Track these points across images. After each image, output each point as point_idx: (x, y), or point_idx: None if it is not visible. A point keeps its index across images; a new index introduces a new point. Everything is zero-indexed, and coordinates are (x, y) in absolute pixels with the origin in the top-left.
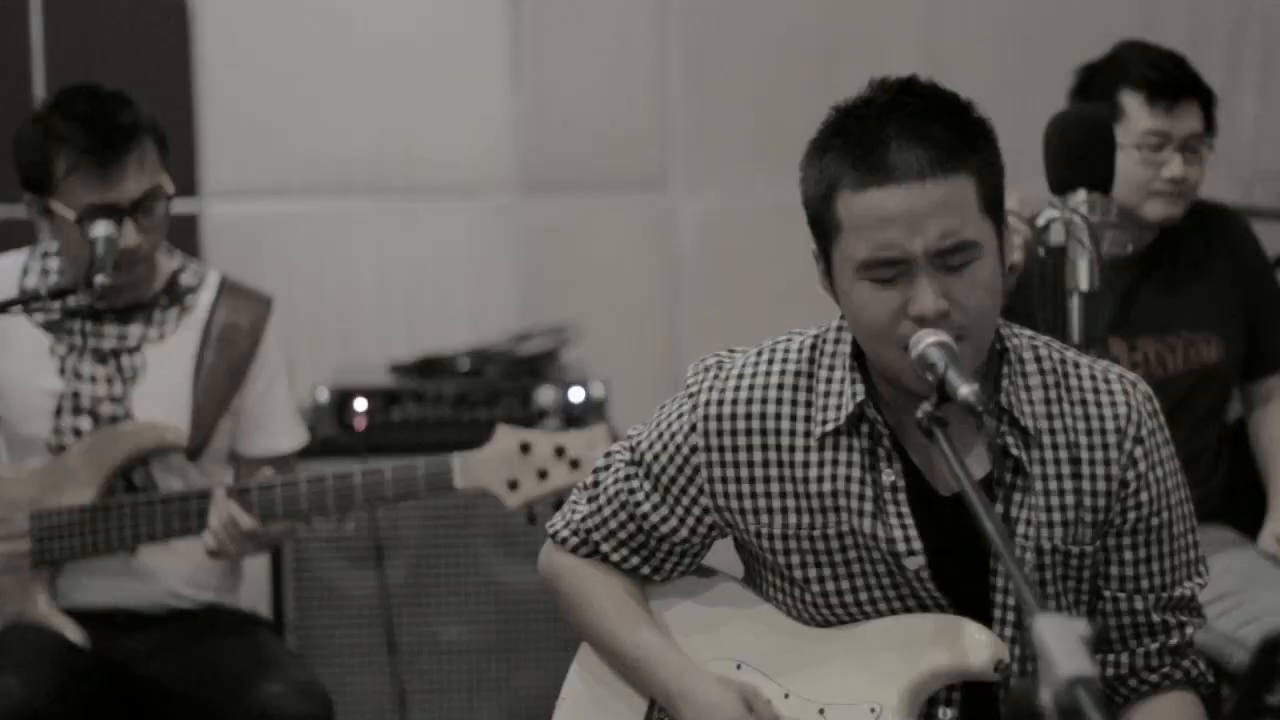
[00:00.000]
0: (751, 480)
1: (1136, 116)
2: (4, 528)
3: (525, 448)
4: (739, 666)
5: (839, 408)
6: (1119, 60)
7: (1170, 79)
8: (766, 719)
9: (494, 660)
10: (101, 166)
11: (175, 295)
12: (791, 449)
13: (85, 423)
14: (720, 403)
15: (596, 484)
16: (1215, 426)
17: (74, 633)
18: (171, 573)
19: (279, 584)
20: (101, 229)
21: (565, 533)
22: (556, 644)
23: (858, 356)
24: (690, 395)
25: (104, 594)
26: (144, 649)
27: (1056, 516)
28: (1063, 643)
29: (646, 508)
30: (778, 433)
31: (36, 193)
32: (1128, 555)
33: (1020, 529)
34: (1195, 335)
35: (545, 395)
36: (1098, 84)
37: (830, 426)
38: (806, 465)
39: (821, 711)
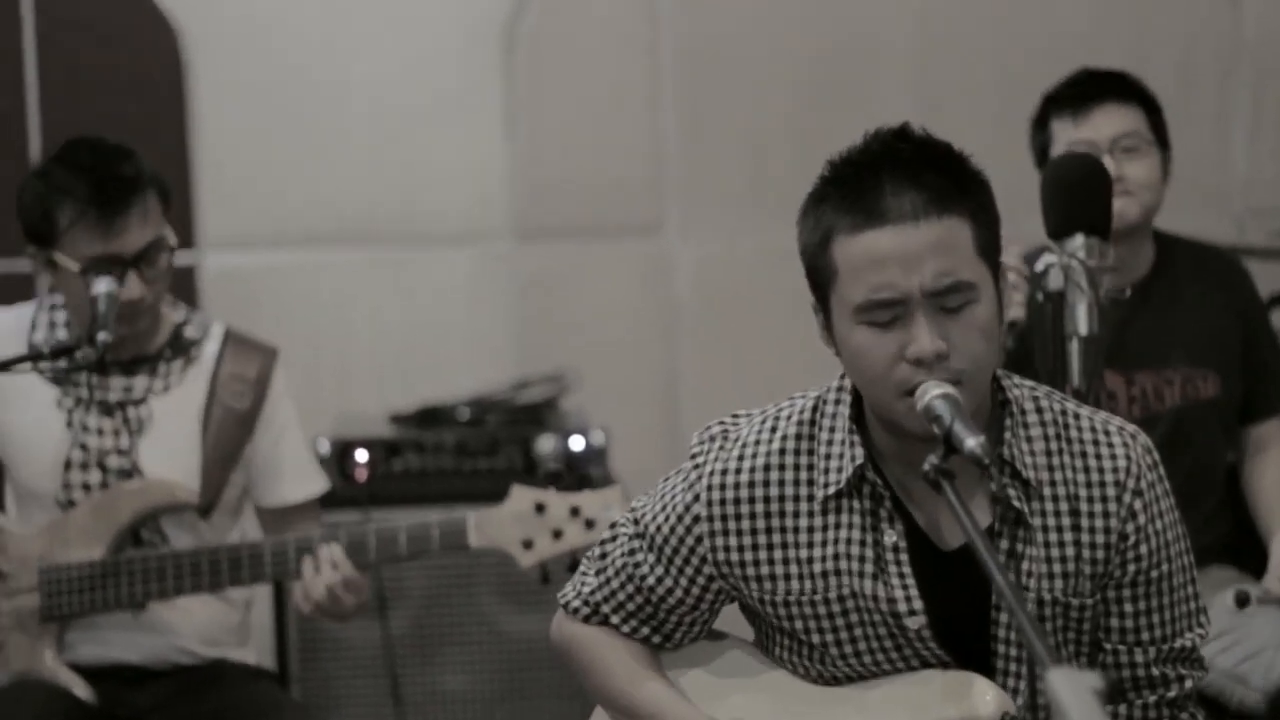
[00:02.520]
0: (755, 548)
1: (1060, 135)
2: (13, 583)
3: (540, 508)
4: None
5: (839, 470)
6: (1047, 93)
7: (1077, 90)
8: None
9: (498, 710)
10: (104, 219)
11: (180, 347)
12: (796, 514)
13: (94, 476)
14: (725, 472)
15: (603, 556)
16: (1218, 464)
17: (81, 689)
18: (182, 629)
19: (283, 635)
20: (103, 285)
21: (576, 603)
22: (561, 693)
23: (857, 419)
24: (695, 466)
25: (111, 649)
26: (150, 703)
27: (1057, 568)
28: (1077, 696)
29: (651, 580)
30: (781, 499)
31: (40, 245)
32: (1128, 608)
33: (1022, 580)
34: (1193, 370)
35: (546, 444)
36: (1039, 120)
37: (832, 490)
38: (811, 530)
39: None
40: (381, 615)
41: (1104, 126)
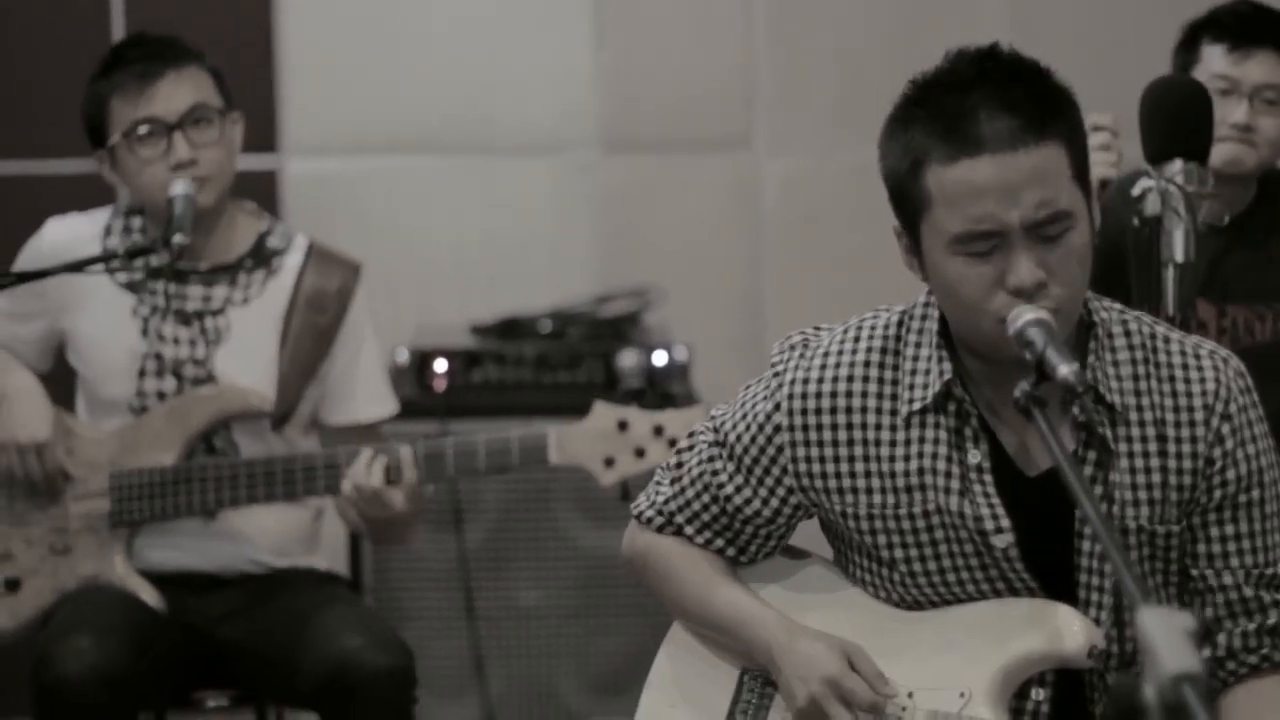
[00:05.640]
0: (836, 460)
1: (1208, 62)
2: (83, 487)
3: (623, 425)
4: None
5: (926, 386)
6: (1210, 12)
7: (1243, 26)
8: (870, 674)
9: (573, 625)
10: (139, 81)
11: (262, 257)
12: (878, 428)
13: (169, 384)
14: (805, 381)
15: (680, 465)
16: None
17: (150, 595)
18: (254, 537)
19: (356, 547)
20: (179, 187)
21: (650, 513)
22: (636, 610)
23: (944, 334)
24: (775, 374)
25: (182, 556)
26: (221, 612)
27: (1143, 495)
28: (1168, 637)
29: (730, 489)
30: (863, 410)
31: (99, 144)
32: (1214, 532)
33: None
34: None
35: (627, 358)
36: (1188, 37)
37: (917, 405)
38: (893, 444)
39: (910, 695)
40: (457, 528)
41: (1255, 72)
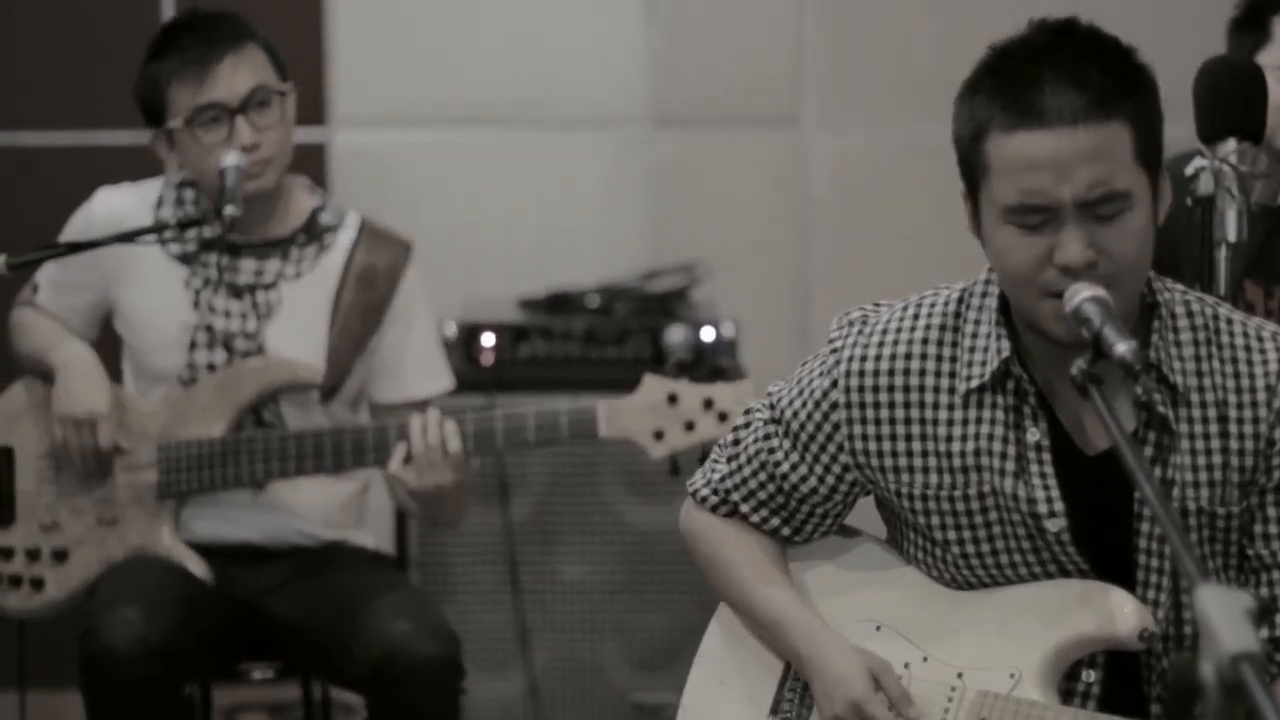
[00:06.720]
0: (893, 438)
1: None
2: (131, 458)
3: (672, 399)
4: (878, 628)
5: (984, 364)
6: None
7: None
8: (895, 695)
9: (618, 601)
10: (200, 64)
11: (314, 233)
12: (935, 406)
13: (219, 356)
14: (864, 359)
15: (736, 443)
16: None
17: (197, 566)
18: (302, 509)
19: (403, 520)
20: (231, 158)
21: (705, 491)
22: (681, 586)
23: (1004, 311)
24: (833, 351)
25: (230, 528)
26: (268, 584)
27: (1203, 476)
28: (1226, 616)
29: (786, 467)
30: (921, 389)
31: (155, 123)
32: (1271, 512)
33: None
34: None
35: (675, 334)
36: (1253, 14)
37: (975, 383)
38: (950, 424)
39: (960, 675)
40: (503, 502)
41: None
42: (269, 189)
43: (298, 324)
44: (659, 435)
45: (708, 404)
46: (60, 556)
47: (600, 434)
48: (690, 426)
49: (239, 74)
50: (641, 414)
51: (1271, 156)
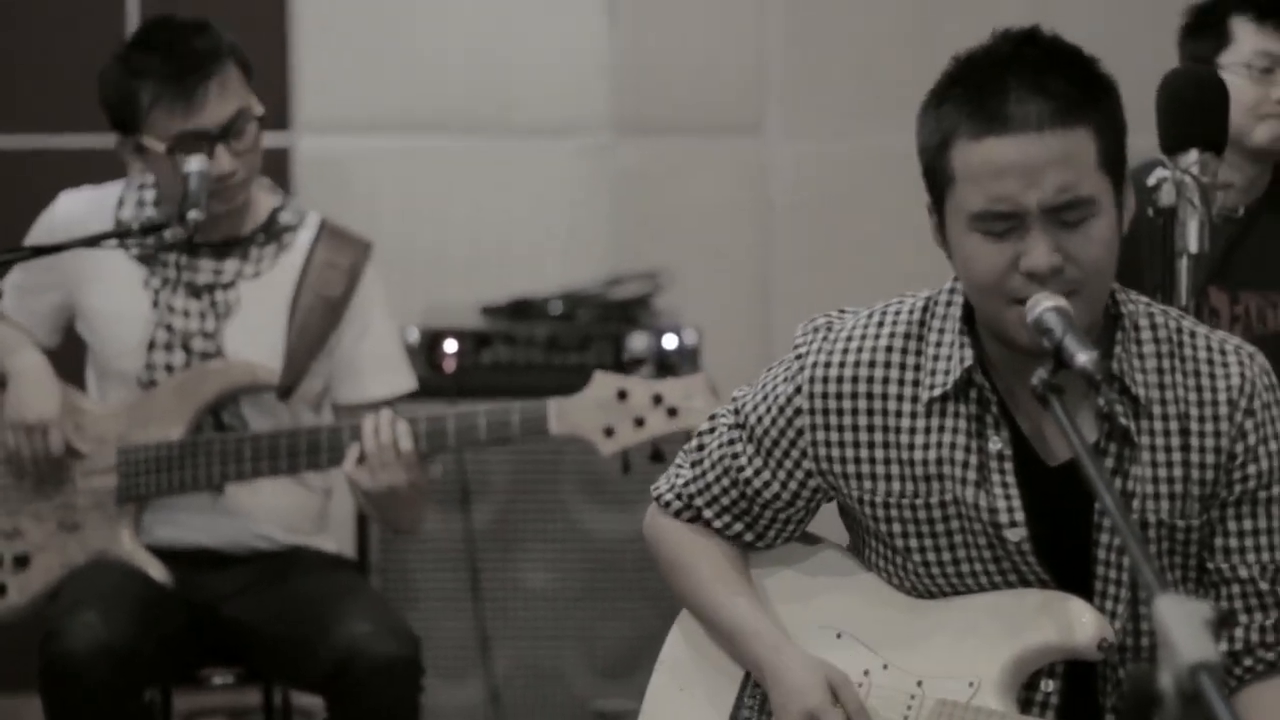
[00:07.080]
0: (856, 445)
1: (1244, 38)
2: (90, 463)
3: (622, 395)
4: (839, 635)
5: (947, 372)
6: None
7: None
8: (852, 708)
9: (579, 608)
10: (183, 94)
11: (273, 233)
12: (898, 414)
13: (178, 357)
14: (828, 365)
15: (700, 447)
16: None
17: (158, 571)
18: (261, 514)
19: (364, 525)
20: (194, 164)
21: (669, 496)
22: (642, 594)
23: (968, 320)
24: (798, 357)
25: (190, 532)
26: (228, 589)
27: (1164, 489)
28: (1186, 626)
29: (749, 472)
30: (885, 397)
31: (126, 132)
32: (1232, 526)
33: (1126, 501)
34: None
35: (638, 341)
36: (1207, 19)
37: (938, 391)
38: (913, 432)
39: (920, 683)
40: (465, 508)
41: None
42: (237, 206)
43: (256, 323)
44: (609, 432)
45: (657, 399)
46: (22, 562)
47: (550, 431)
48: (640, 422)
49: (223, 102)
50: (592, 410)
51: (1244, 156)
